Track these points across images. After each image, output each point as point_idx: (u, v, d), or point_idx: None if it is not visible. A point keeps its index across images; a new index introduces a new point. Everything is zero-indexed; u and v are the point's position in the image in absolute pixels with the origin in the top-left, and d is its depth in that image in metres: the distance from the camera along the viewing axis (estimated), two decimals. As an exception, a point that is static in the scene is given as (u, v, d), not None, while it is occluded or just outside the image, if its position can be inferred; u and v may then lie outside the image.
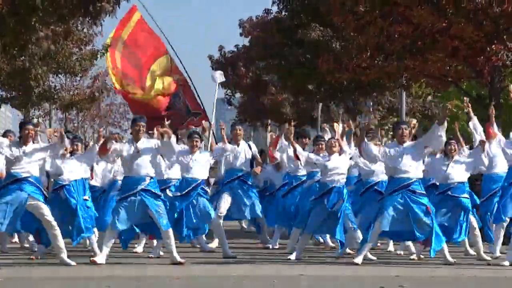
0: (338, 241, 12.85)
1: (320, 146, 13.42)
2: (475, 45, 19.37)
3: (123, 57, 19.20)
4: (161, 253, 12.79)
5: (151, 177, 11.97)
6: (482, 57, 19.50)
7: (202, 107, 19.54)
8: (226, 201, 13.77)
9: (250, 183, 14.06)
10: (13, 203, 11.46)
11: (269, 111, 38.75)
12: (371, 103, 35.52)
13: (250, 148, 14.19)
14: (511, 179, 12.85)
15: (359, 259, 11.90)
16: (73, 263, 11.65)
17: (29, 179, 11.55)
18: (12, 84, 30.49)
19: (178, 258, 11.89)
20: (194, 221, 12.95)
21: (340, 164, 12.78)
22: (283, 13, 30.78)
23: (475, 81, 26.60)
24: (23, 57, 25.72)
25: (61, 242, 11.70)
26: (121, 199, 11.93)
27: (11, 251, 13.42)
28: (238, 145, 14.02)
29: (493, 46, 19.21)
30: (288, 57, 29.64)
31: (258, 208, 14.00)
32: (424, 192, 12.03)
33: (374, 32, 20.42)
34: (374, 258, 12.66)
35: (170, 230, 11.98)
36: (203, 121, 18.47)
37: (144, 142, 12.03)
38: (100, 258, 11.77)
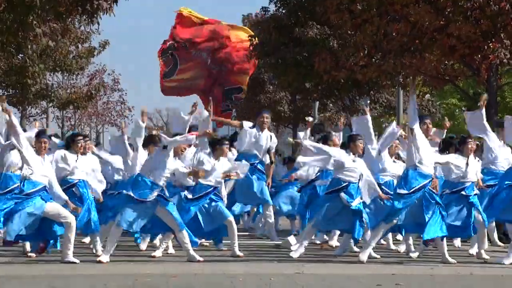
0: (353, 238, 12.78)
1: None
2: (472, 43, 19.39)
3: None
4: (160, 253, 12.80)
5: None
6: (479, 55, 19.54)
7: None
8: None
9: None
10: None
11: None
12: (368, 101, 35.51)
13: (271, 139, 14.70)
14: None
15: (364, 256, 12.02)
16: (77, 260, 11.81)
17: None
18: (9, 82, 30.49)
19: (196, 257, 12.03)
20: (208, 224, 12.94)
21: (358, 165, 12.73)
22: (281, 11, 30.77)
23: (472, 79, 26.62)
24: (21, 55, 25.75)
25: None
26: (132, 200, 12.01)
27: (9, 249, 13.39)
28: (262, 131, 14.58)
29: (490, 44, 19.24)
30: (285, 55, 29.61)
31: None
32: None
33: (371, 31, 20.44)
34: (378, 256, 12.71)
35: (185, 231, 12.05)
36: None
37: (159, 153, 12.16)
38: (105, 257, 11.79)
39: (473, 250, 13.02)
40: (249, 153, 14.53)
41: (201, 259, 11.99)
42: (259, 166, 14.54)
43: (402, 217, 12.24)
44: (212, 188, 12.88)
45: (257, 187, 14.36)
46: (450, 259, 12.06)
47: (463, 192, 12.66)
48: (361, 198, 12.59)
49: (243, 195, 14.57)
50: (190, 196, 12.81)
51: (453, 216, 12.52)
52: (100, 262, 11.66)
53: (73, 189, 12.77)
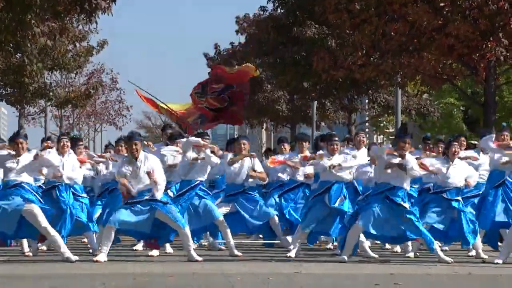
0: (334, 238, 12.90)
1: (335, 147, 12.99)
2: (470, 43, 19.41)
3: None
4: (157, 253, 12.80)
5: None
6: (477, 54, 19.56)
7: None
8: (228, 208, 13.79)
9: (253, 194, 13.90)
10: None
11: (264, 108, 38.76)
12: (366, 101, 35.56)
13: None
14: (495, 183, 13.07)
15: (345, 256, 12.03)
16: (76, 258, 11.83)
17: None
18: (7, 81, 30.49)
19: (196, 257, 11.98)
20: (196, 222, 12.91)
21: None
22: (279, 10, 30.83)
23: (470, 79, 26.65)
24: (19, 54, 25.75)
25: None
26: (127, 203, 11.97)
27: (7, 249, 13.39)
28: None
29: (489, 43, 19.27)
30: (283, 54, 29.66)
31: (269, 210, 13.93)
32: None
33: (369, 30, 20.45)
34: (376, 256, 12.73)
35: (187, 228, 12.03)
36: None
37: (143, 160, 11.98)
38: (102, 256, 11.76)
39: (473, 252, 13.02)
40: (235, 183, 13.82)
41: (199, 259, 11.99)
42: (248, 191, 13.78)
43: (372, 226, 12.03)
44: (196, 183, 12.86)
45: (255, 211, 13.72)
46: (446, 258, 12.05)
47: (444, 195, 12.61)
48: (344, 197, 12.62)
49: (251, 218, 13.83)
50: (173, 195, 12.85)
51: (434, 219, 12.49)
52: (97, 261, 11.64)
53: (52, 191, 12.79)
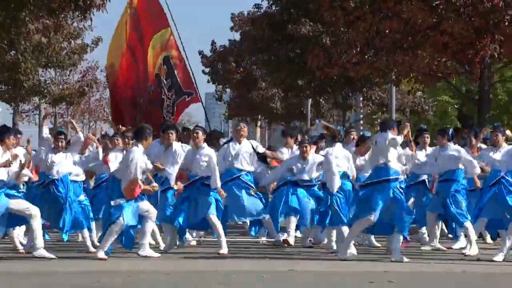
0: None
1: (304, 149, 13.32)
2: (465, 40, 19.46)
3: (132, 31, 18.45)
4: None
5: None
6: (471, 51, 19.60)
7: (195, 87, 18.70)
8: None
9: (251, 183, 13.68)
10: None
11: (258, 106, 38.76)
12: (361, 98, 35.58)
13: (253, 147, 13.78)
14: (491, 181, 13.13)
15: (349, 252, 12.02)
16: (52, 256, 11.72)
17: None
18: (2, 78, 30.45)
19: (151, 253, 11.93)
20: (192, 219, 12.84)
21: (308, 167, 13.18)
22: (273, 8, 30.82)
23: (464, 77, 26.70)
24: (13, 51, 25.72)
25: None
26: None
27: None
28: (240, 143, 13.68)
29: (483, 40, 19.32)
30: (278, 52, 29.65)
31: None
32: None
33: (363, 28, 20.48)
34: (379, 244, 13.04)
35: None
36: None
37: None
38: (102, 253, 11.72)
39: (467, 250, 13.01)
40: (231, 168, 13.59)
41: (155, 255, 11.88)
42: (244, 178, 13.55)
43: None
44: (197, 178, 12.71)
45: (247, 201, 13.40)
46: (404, 258, 11.91)
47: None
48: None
49: (235, 211, 13.42)
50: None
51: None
52: (101, 259, 11.56)
53: (49, 187, 12.81)
